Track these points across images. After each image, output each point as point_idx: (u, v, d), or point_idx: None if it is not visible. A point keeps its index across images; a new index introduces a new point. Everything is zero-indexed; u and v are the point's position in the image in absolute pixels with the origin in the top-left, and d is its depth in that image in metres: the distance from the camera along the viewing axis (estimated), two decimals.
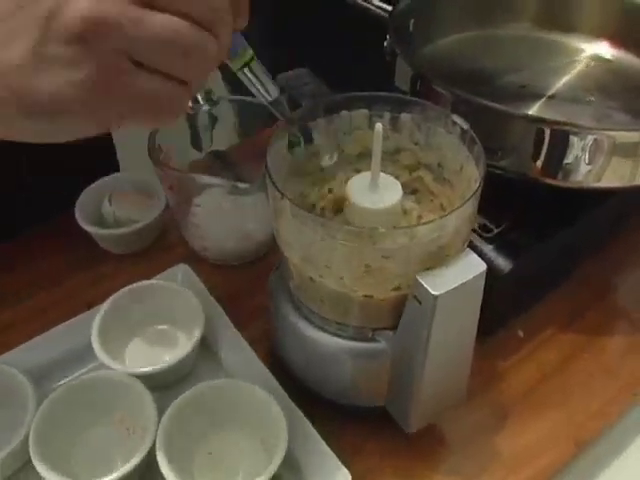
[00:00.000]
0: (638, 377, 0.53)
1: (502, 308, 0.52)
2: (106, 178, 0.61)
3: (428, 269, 0.37)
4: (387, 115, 0.44)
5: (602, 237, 0.60)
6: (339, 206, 0.42)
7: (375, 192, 0.40)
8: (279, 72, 0.48)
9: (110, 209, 0.59)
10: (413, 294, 0.37)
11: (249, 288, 0.57)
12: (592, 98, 0.58)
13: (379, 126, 0.38)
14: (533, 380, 0.52)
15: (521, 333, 0.55)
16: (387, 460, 0.47)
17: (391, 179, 0.41)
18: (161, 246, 0.62)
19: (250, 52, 0.34)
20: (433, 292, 0.35)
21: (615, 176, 0.49)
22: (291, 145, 0.41)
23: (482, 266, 0.37)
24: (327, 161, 0.43)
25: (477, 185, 0.37)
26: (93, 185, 0.60)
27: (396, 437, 0.47)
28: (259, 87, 0.36)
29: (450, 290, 0.36)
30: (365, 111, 0.44)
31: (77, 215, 0.58)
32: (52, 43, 0.27)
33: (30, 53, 0.27)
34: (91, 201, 0.60)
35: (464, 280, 0.36)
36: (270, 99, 0.37)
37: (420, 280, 0.36)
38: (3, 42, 0.27)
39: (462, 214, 0.37)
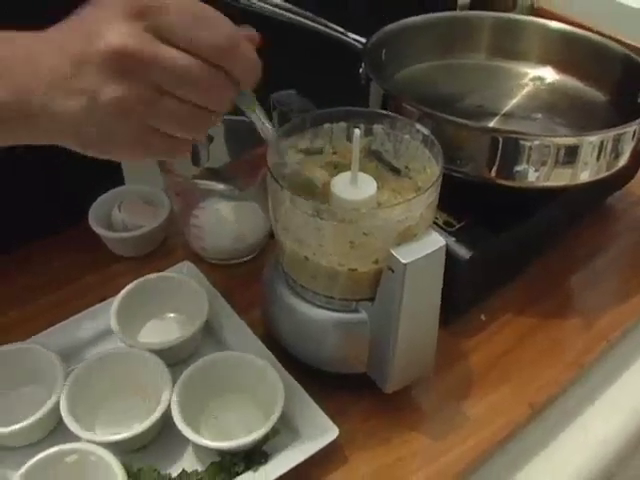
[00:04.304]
0: (584, 352, 0.63)
1: (465, 293, 0.62)
2: (116, 189, 0.71)
3: (400, 245, 0.47)
4: (362, 127, 0.54)
5: (556, 233, 0.71)
6: None
7: (355, 187, 0.50)
8: (272, 93, 0.59)
9: (120, 216, 0.69)
10: (387, 265, 0.48)
11: (244, 282, 0.67)
12: (539, 115, 0.70)
13: (357, 132, 0.49)
14: (493, 356, 0.62)
15: (483, 317, 0.65)
16: (369, 421, 0.57)
17: (368, 177, 0.51)
18: (164, 250, 0.72)
19: (254, 102, 0.46)
20: (403, 261, 0.46)
21: (560, 176, 0.60)
22: None
23: (442, 242, 0.48)
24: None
25: (436, 177, 0.48)
26: (105, 195, 0.70)
27: (377, 402, 0.57)
28: (259, 125, 0.48)
29: (416, 259, 0.46)
30: (343, 124, 0.55)
31: (90, 220, 0.68)
32: (99, 110, 0.39)
33: (84, 110, 0.39)
34: (103, 209, 0.70)
35: (428, 252, 0.47)
36: (266, 137, 0.49)
37: (393, 252, 0.46)
38: (62, 98, 0.39)
39: (426, 201, 0.48)
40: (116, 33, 0.37)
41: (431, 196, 0.49)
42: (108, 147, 0.41)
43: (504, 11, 1.09)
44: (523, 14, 1.63)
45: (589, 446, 0.60)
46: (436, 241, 0.48)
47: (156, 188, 0.71)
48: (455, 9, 1.06)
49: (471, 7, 1.12)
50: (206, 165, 0.72)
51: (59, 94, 0.39)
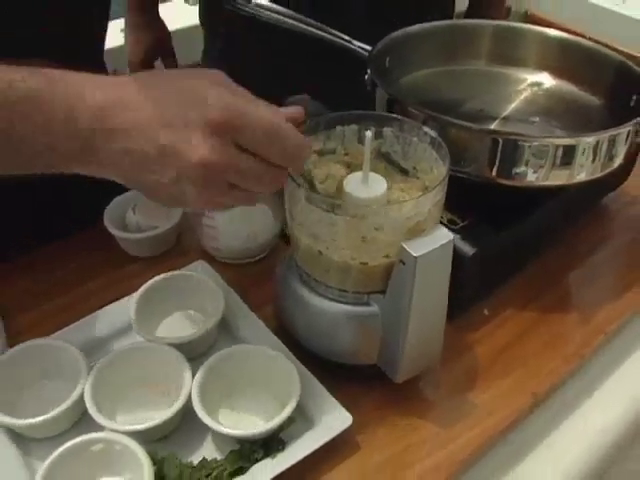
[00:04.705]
0: (583, 345, 0.67)
1: (469, 289, 0.65)
2: (130, 192, 0.74)
3: (410, 239, 0.51)
4: (372, 129, 0.58)
5: (555, 232, 0.75)
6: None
7: (366, 186, 0.53)
8: (287, 96, 0.62)
9: (134, 217, 0.72)
10: (399, 259, 0.51)
11: (255, 281, 0.70)
12: (537, 119, 0.74)
13: (369, 133, 0.52)
14: (497, 349, 0.66)
15: (486, 312, 0.69)
16: (380, 411, 0.59)
17: (378, 176, 0.54)
18: (177, 250, 0.75)
19: None
20: (414, 254, 0.49)
21: (558, 176, 0.64)
22: None
23: (450, 236, 0.51)
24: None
25: (443, 177, 0.52)
26: (119, 197, 0.73)
27: (387, 392, 0.60)
28: None
29: (426, 252, 0.49)
30: (355, 126, 0.58)
31: (105, 222, 0.71)
32: (183, 181, 0.46)
33: (158, 184, 0.46)
34: (117, 211, 0.73)
35: (437, 245, 0.50)
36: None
37: (404, 245, 0.50)
38: (152, 172, 0.46)
39: (433, 198, 0.51)
40: (204, 147, 0.44)
41: (438, 194, 0.52)
42: (170, 203, 0.49)
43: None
44: (517, 21, 1.69)
45: (588, 435, 0.63)
46: (445, 235, 0.51)
47: None
48: (452, 17, 1.10)
49: (467, 15, 1.16)
50: None
51: (135, 168, 0.46)
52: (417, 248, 0.50)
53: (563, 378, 0.64)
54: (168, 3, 1.21)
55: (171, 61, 1.21)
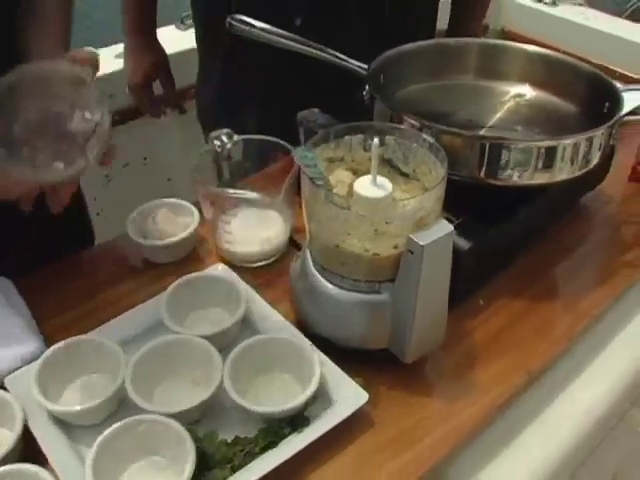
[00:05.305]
0: (571, 328, 0.75)
1: (466, 281, 0.73)
2: (151, 202, 0.81)
3: (416, 232, 0.59)
4: (376, 138, 0.66)
5: (540, 228, 0.83)
6: None
7: (374, 187, 0.62)
8: (298, 111, 0.71)
9: (154, 226, 0.79)
10: (407, 248, 0.59)
11: (269, 280, 0.78)
12: (519, 127, 0.83)
13: (376, 141, 0.60)
14: (492, 334, 0.74)
15: (482, 302, 0.77)
16: (391, 391, 0.67)
17: (384, 179, 0.63)
18: (194, 257, 0.83)
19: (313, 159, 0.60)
20: (421, 243, 0.57)
21: (541, 175, 0.73)
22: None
23: (451, 227, 0.59)
24: None
25: (442, 176, 0.60)
26: (141, 207, 0.81)
27: (397, 374, 0.68)
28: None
29: (432, 241, 0.58)
30: (361, 136, 0.67)
31: (129, 231, 0.78)
32: None
33: None
34: (139, 220, 0.80)
35: (440, 235, 0.58)
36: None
37: (412, 236, 0.58)
38: None
39: (435, 195, 0.60)
40: None
41: (439, 192, 0.60)
42: None
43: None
44: (495, 37, 1.80)
45: (577, 412, 0.71)
46: (446, 227, 0.59)
47: (185, 200, 0.82)
48: (434, 35, 1.19)
49: (449, 29, 1.26)
50: (227, 179, 0.84)
51: None
52: (423, 238, 0.58)
53: (553, 359, 0.73)
54: (159, 29, 1.28)
55: (170, 83, 1.29)
